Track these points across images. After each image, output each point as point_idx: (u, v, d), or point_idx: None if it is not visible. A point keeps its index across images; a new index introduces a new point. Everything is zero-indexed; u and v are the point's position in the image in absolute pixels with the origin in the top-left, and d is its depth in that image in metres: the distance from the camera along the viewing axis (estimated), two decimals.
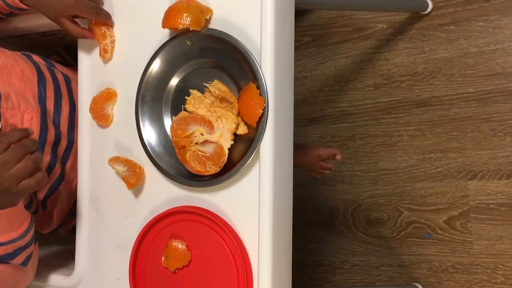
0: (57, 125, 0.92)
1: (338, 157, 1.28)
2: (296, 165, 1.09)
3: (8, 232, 0.75)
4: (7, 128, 0.82)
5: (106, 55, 0.87)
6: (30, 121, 0.86)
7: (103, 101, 0.87)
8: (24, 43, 1.08)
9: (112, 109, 0.87)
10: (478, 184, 1.31)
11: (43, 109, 0.89)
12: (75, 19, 0.85)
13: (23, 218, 0.78)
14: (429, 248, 1.36)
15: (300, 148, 1.29)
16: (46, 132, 0.89)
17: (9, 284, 0.80)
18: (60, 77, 0.96)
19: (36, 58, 0.96)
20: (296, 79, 1.39)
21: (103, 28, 0.86)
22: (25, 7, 0.85)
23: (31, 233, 0.80)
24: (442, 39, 1.35)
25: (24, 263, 0.81)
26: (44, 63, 0.96)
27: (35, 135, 0.87)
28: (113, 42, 0.87)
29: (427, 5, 1.35)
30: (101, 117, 0.87)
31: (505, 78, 1.28)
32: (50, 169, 0.92)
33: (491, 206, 1.30)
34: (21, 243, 0.78)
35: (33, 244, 0.82)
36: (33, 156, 0.72)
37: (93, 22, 0.86)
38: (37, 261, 0.86)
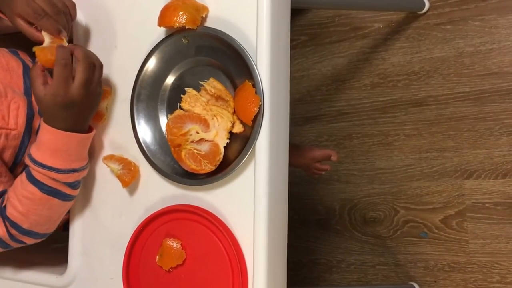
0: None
1: (334, 158, 1.27)
2: (291, 165, 1.09)
3: (82, 159, 0.83)
4: None
5: None
6: (16, 110, 0.85)
7: None
8: (16, 41, 1.07)
9: (106, 107, 0.87)
10: (474, 183, 1.31)
11: (29, 100, 0.88)
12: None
13: (87, 148, 0.84)
14: (425, 247, 1.36)
15: (294, 149, 1.28)
16: (32, 121, 0.88)
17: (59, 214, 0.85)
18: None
19: (22, 54, 0.95)
20: (293, 78, 1.38)
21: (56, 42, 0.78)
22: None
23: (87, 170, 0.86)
24: (438, 38, 1.35)
25: (74, 197, 0.86)
26: (30, 59, 0.96)
27: (22, 123, 0.86)
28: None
29: (424, 5, 1.35)
30: (96, 115, 0.87)
31: (501, 78, 1.28)
32: None
33: (487, 205, 1.30)
34: (82, 174, 0.84)
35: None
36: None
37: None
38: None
